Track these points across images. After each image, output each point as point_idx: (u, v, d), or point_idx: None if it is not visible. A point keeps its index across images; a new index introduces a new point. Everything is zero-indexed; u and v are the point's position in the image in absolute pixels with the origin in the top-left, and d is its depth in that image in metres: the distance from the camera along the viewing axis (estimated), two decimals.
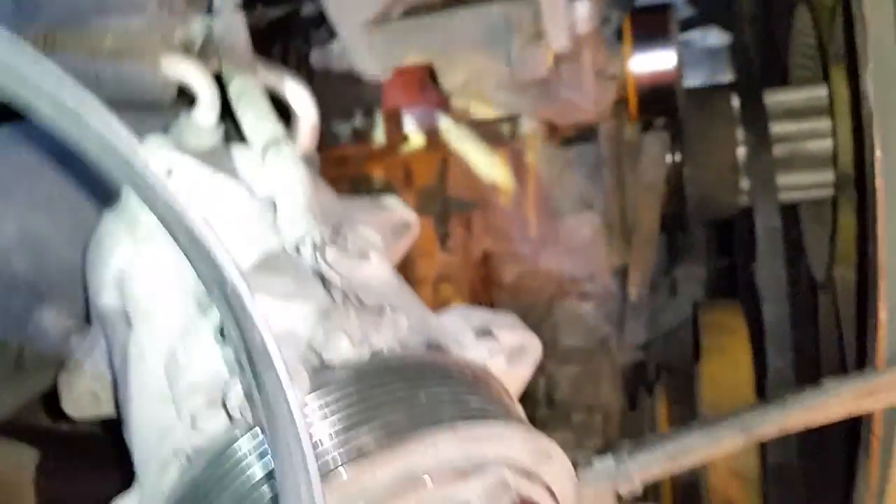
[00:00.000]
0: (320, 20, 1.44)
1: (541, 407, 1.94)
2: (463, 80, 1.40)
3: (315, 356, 0.69)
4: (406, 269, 1.13)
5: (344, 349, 0.70)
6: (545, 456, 0.72)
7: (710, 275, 2.43)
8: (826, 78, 1.86)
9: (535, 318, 1.98)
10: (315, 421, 0.64)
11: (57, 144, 1.08)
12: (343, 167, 1.76)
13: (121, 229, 0.93)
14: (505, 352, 0.83)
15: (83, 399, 0.94)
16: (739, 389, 1.80)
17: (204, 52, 1.05)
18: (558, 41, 1.34)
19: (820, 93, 1.89)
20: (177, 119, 0.99)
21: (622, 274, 2.01)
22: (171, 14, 1.04)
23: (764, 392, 1.82)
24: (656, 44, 1.65)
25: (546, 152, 1.99)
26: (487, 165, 1.91)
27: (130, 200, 0.93)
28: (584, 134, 1.99)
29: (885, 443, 1.13)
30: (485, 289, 1.94)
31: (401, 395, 0.68)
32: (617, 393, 2.07)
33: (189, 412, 0.68)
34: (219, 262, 0.51)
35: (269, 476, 0.63)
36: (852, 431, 1.17)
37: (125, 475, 0.79)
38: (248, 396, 0.62)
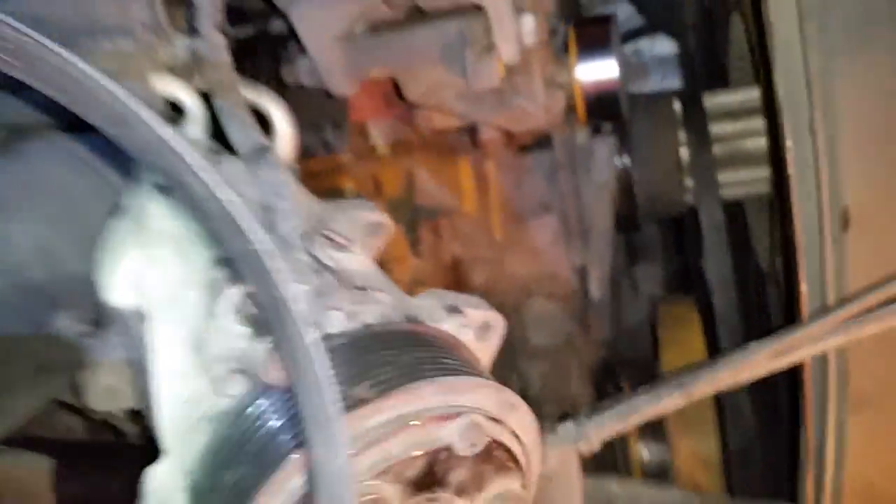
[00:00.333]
0: (288, 38, 1.55)
1: None
2: (424, 91, 1.52)
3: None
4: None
5: (338, 322, 0.82)
6: (511, 406, 0.85)
7: (668, 273, 2.57)
8: (758, 80, 2.01)
9: (505, 318, 2.11)
10: None
11: (64, 166, 1.19)
12: (315, 179, 1.86)
13: (129, 236, 1.03)
14: (473, 326, 0.96)
15: (104, 393, 1.03)
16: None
17: (188, 70, 1.15)
18: (508, 53, 1.46)
19: (753, 94, 2.04)
20: None
21: (582, 274, 2.14)
22: (157, 35, 1.11)
23: None
24: (599, 54, 1.79)
25: (505, 160, 2.13)
26: (451, 174, 2.03)
27: (134, 209, 1.04)
28: (539, 141, 2.14)
29: (818, 405, 1.26)
30: (457, 291, 2.06)
31: (389, 358, 0.80)
32: (585, 387, 2.19)
33: (214, 381, 0.80)
34: (248, 232, 0.62)
35: (287, 427, 0.75)
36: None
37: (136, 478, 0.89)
38: (271, 353, 0.74)
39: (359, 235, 0.98)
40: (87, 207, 1.13)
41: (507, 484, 0.84)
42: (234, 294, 0.83)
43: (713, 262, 2.03)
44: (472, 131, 1.93)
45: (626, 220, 2.13)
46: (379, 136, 1.89)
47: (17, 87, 1.07)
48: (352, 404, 0.74)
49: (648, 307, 2.40)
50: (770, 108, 1.95)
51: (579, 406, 2.10)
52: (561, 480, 1.04)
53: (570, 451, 1.02)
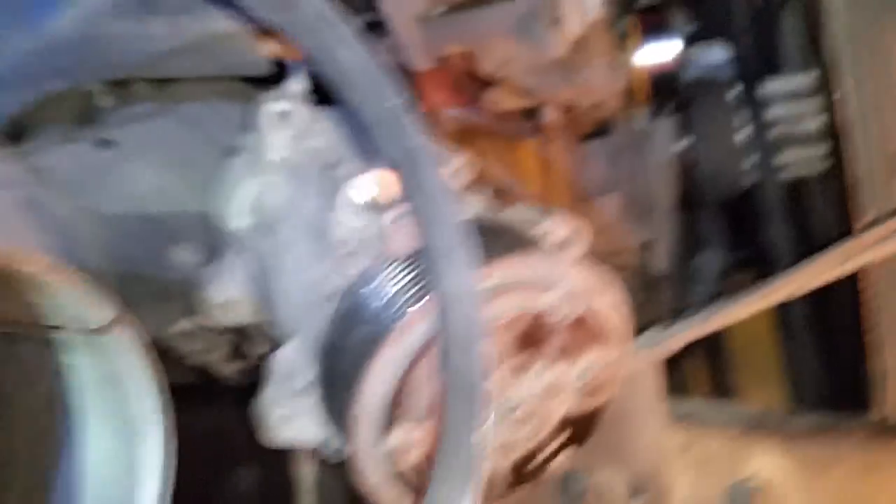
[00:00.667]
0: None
1: None
2: (497, 64, 1.63)
3: None
4: None
5: None
6: (604, 286, 0.94)
7: (730, 256, 2.62)
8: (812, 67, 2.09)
9: None
10: None
11: (175, 123, 1.31)
12: None
13: (244, 168, 1.14)
14: (563, 231, 1.05)
15: (223, 306, 1.13)
16: (762, 335, 1.99)
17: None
18: (573, 25, 1.57)
19: (808, 79, 2.12)
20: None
21: (647, 249, 2.21)
22: None
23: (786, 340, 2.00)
24: (661, 35, 1.89)
25: (567, 145, 2.22)
26: (515, 158, 2.12)
27: (249, 145, 1.15)
28: (600, 129, 2.23)
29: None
30: None
31: (493, 238, 0.90)
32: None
33: (336, 262, 0.90)
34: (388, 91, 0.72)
35: (408, 289, 0.85)
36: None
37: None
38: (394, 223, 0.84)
39: None
40: (198, 158, 1.24)
41: (600, 353, 0.93)
42: (352, 185, 0.93)
43: (775, 236, 2.09)
44: (535, 116, 2.03)
45: (689, 201, 2.20)
46: (449, 123, 2.00)
47: None
48: None
49: (711, 287, 2.44)
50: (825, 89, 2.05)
51: None
52: (645, 377, 1.12)
53: (653, 355, 1.10)
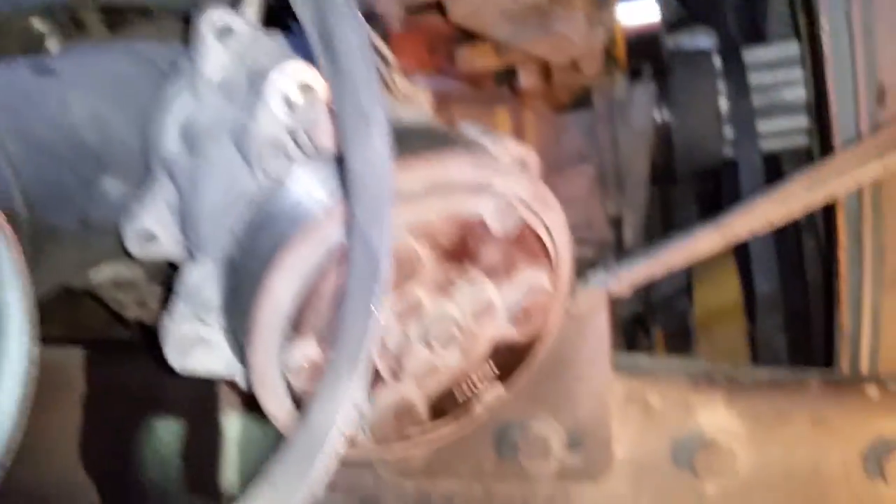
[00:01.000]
0: None
1: None
2: (469, 11, 1.56)
3: None
4: None
5: None
6: (545, 201, 0.86)
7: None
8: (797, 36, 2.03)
9: None
10: None
11: (121, 54, 1.26)
12: None
13: (183, 89, 1.07)
14: (510, 157, 0.97)
15: (143, 238, 1.08)
16: (730, 313, 1.93)
17: None
18: None
19: (792, 47, 2.06)
20: None
21: (617, 222, 2.15)
22: None
23: (754, 317, 1.94)
24: None
25: (543, 113, 2.15)
26: (489, 123, 2.06)
27: (187, 66, 1.08)
28: (579, 101, 2.16)
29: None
30: None
31: (425, 138, 0.83)
32: (615, 331, 2.19)
33: (259, 160, 0.82)
34: None
35: (325, 192, 0.77)
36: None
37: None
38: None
39: None
40: (140, 89, 1.19)
41: (535, 276, 0.85)
42: (276, 76, 0.85)
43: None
44: (510, 79, 1.97)
45: (664, 172, 2.13)
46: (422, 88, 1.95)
47: None
48: None
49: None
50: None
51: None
52: (590, 321, 1.05)
53: (600, 294, 1.03)
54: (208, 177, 0.94)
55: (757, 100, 2.06)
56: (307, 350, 0.79)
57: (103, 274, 1.34)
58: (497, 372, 0.90)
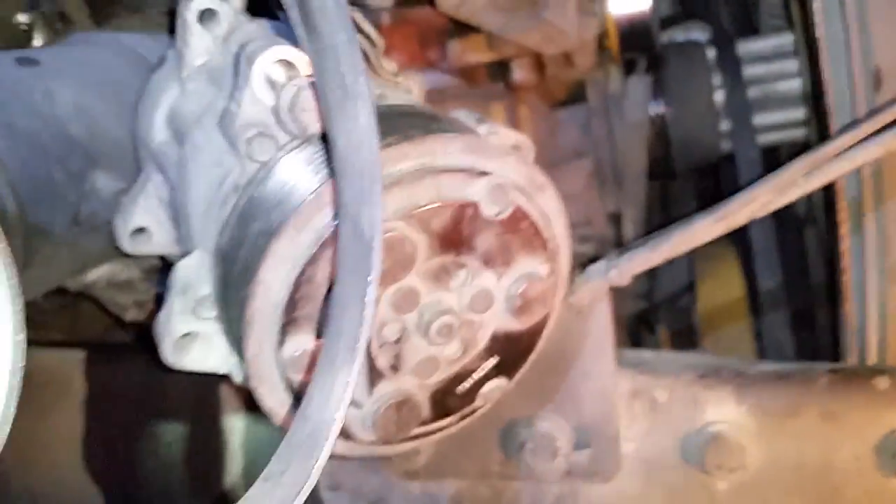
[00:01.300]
0: None
1: None
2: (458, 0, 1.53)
3: None
4: None
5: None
6: (538, 185, 0.83)
7: None
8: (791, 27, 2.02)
9: None
10: None
11: (108, 49, 1.23)
12: None
13: (169, 78, 1.04)
14: (505, 141, 0.94)
15: (136, 235, 1.04)
16: (733, 308, 1.90)
17: None
18: None
19: (786, 39, 2.04)
20: None
21: (616, 218, 2.12)
22: None
23: (758, 313, 1.91)
24: None
25: (538, 108, 2.12)
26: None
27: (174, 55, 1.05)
28: (573, 96, 2.13)
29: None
30: None
31: (417, 123, 0.79)
32: (619, 330, 2.16)
33: (244, 146, 0.79)
34: None
35: (314, 175, 0.74)
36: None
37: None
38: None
39: None
40: (127, 81, 1.16)
41: (533, 264, 0.82)
42: (259, 58, 0.81)
43: None
44: (504, 74, 1.94)
45: (662, 167, 2.11)
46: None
47: None
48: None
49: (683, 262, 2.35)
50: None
51: None
52: (591, 313, 1.01)
53: (601, 286, 0.99)
54: (196, 165, 0.91)
55: (752, 92, 2.04)
56: (302, 339, 0.76)
57: (100, 275, 1.31)
58: (499, 365, 0.86)
